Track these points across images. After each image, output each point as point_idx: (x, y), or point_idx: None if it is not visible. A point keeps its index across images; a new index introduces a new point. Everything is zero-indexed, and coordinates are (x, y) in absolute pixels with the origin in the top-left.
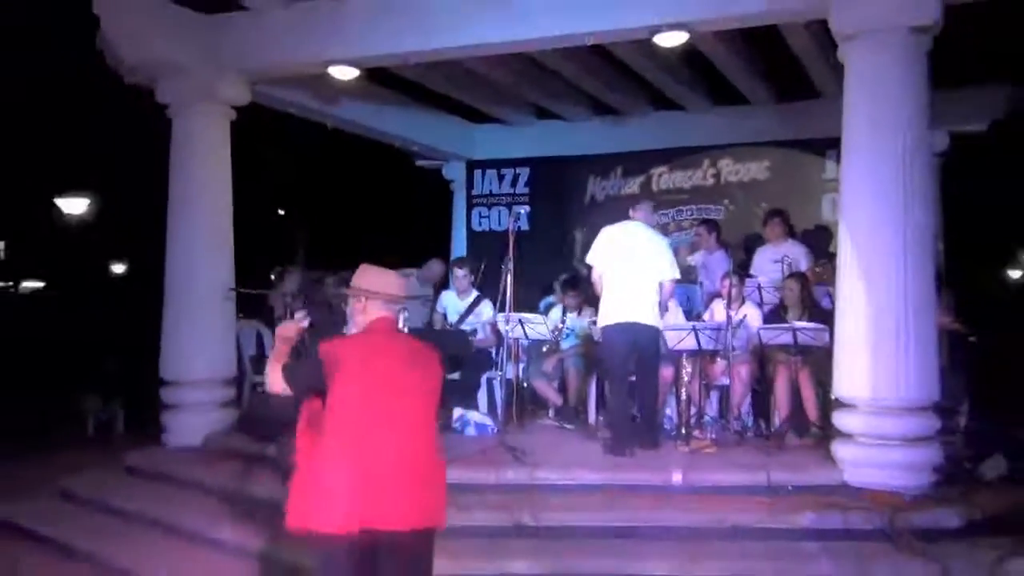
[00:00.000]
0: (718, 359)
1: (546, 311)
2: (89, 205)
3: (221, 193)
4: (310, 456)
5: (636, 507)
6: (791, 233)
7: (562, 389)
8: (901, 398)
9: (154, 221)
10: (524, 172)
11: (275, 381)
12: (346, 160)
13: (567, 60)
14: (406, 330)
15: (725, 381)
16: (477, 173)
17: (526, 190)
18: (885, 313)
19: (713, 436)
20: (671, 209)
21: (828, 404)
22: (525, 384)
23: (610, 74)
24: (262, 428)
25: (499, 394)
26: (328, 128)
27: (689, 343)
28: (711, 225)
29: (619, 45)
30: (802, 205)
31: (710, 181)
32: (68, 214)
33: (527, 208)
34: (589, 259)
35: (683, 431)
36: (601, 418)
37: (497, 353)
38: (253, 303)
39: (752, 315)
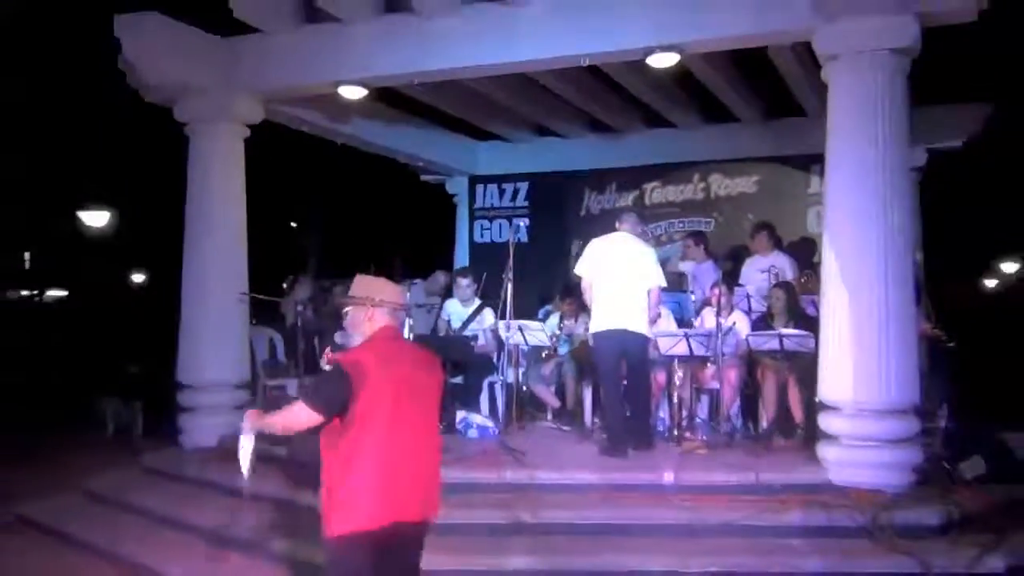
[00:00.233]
0: (708, 364)
1: (544, 318)
2: (110, 218)
3: (235, 206)
4: (341, 467)
5: (630, 505)
6: (778, 244)
7: (559, 393)
8: (883, 401)
9: (171, 233)
10: (524, 187)
11: (293, 421)
12: (355, 175)
13: (564, 80)
14: (411, 337)
15: (715, 385)
16: (479, 187)
17: (526, 204)
18: (867, 320)
19: (704, 438)
20: (663, 222)
21: (813, 407)
22: (524, 388)
23: (605, 94)
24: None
25: (500, 397)
26: (338, 144)
27: (681, 349)
28: (699, 237)
29: (614, 66)
30: (788, 218)
31: (700, 195)
32: (90, 226)
33: (527, 221)
34: (577, 270)
35: (675, 433)
36: (597, 420)
37: (498, 358)
38: (266, 310)
39: (741, 322)
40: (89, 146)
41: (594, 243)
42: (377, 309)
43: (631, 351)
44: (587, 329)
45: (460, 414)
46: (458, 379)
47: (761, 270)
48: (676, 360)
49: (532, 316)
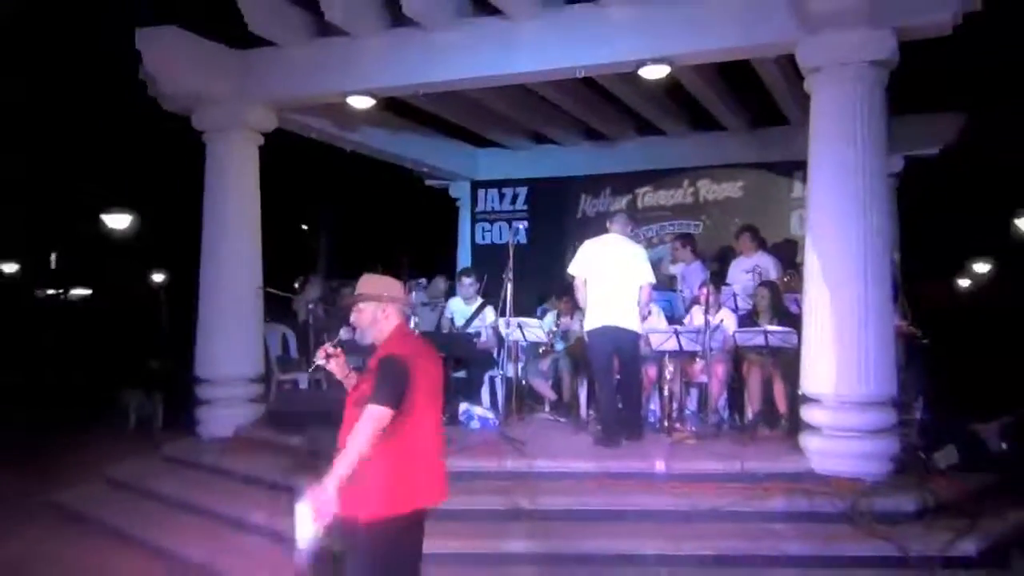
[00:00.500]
0: (697, 359)
1: (542, 316)
2: (132, 221)
3: (250, 209)
4: (395, 453)
5: (624, 492)
6: (762, 245)
7: (556, 386)
8: (862, 394)
9: (190, 235)
10: (523, 191)
11: (370, 436)
12: (363, 180)
13: (561, 91)
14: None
15: (703, 379)
16: (480, 192)
17: (525, 207)
18: (848, 317)
19: (693, 428)
20: (654, 224)
21: (796, 399)
22: (523, 382)
23: (599, 103)
24: (287, 421)
25: (500, 391)
26: (347, 151)
27: (671, 345)
28: (686, 239)
29: (608, 77)
30: (772, 221)
31: (689, 199)
32: (113, 229)
33: (526, 223)
34: (571, 270)
35: (666, 424)
36: (591, 412)
37: (498, 354)
38: (279, 307)
39: (728, 320)
40: (112, 152)
41: (587, 244)
42: (390, 306)
43: (623, 347)
44: (582, 326)
45: (463, 406)
46: (461, 373)
47: (746, 270)
48: (667, 355)
49: (531, 314)
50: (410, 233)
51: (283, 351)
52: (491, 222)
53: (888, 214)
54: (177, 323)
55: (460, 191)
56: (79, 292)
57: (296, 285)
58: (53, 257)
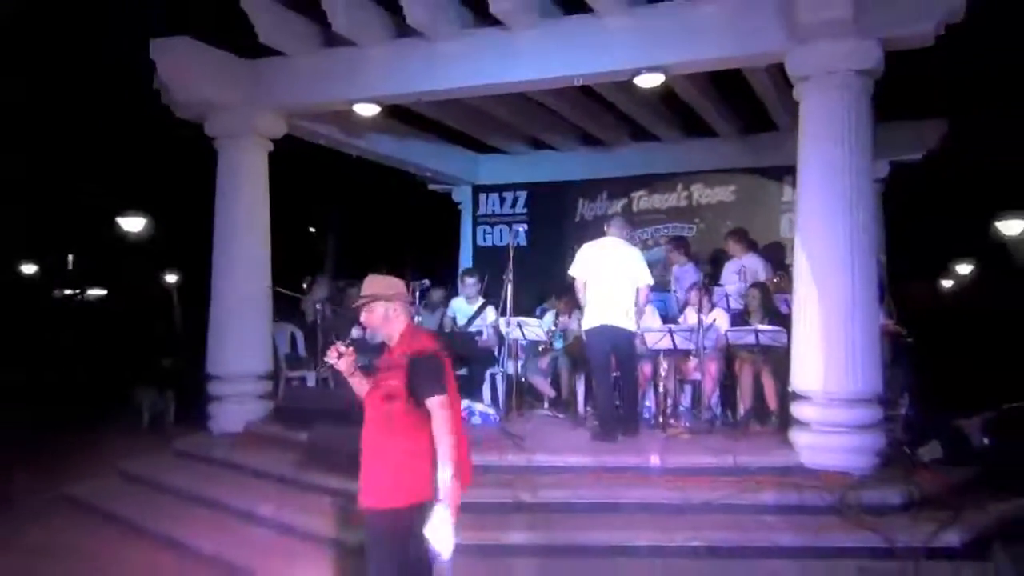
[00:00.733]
0: (691, 357)
1: (541, 316)
2: (146, 224)
3: (259, 213)
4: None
5: (620, 486)
6: (751, 247)
7: (555, 383)
8: (850, 391)
9: (202, 237)
10: (523, 195)
11: (451, 429)
12: (368, 184)
13: (559, 98)
14: None
15: (697, 376)
16: (482, 196)
17: (524, 211)
18: (835, 314)
19: (687, 424)
20: (649, 227)
21: (786, 396)
22: (523, 379)
23: (597, 110)
24: (296, 417)
25: (500, 388)
26: (353, 156)
27: (666, 343)
28: (678, 242)
29: (604, 85)
30: (763, 223)
31: (683, 203)
32: (128, 231)
33: (525, 226)
34: (571, 272)
35: (661, 420)
36: (589, 409)
37: (499, 352)
38: (288, 307)
39: (721, 319)
40: (127, 157)
41: (586, 247)
42: (398, 304)
43: (620, 345)
44: (580, 325)
45: (464, 403)
46: (463, 371)
47: (734, 271)
48: (661, 353)
49: (530, 314)
50: (414, 235)
51: (291, 349)
52: (492, 225)
53: (873, 213)
54: (189, 322)
55: (462, 195)
56: (95, 293)
57: (304, 285)
58: (70, 259)
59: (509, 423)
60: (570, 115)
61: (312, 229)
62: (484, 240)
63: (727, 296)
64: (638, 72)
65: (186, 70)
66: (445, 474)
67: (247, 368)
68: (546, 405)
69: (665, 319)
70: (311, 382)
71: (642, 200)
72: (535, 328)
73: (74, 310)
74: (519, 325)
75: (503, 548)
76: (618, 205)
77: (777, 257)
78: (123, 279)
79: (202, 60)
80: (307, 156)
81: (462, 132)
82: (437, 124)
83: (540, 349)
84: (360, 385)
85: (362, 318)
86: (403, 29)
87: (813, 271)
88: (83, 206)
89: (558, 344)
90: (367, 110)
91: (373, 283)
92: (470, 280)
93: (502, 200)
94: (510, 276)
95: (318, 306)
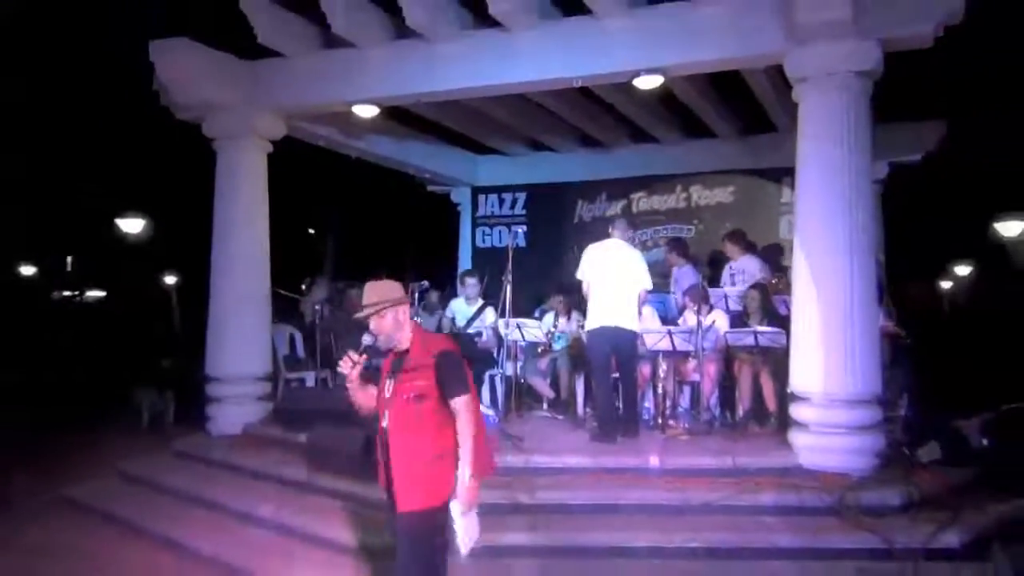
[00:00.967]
0: (690, 359)
1: (540, 317)
2: (145, 225)
3: (258, 214)
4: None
5: (619, 487)
6: (749, 249)
7: (554, 385)
8: (849, 392)
9: (200, 238)
10: (522, 196)
11: (479, 423)
12: (367, 185)
13: (558, 100)
14: None
15: (696, 378)
16: (481, 197)
17: (523, 212)
18: (834, 314)
19: (686, 425)
20: (649, 229)
21: (785, 397)
22: (522, 380)
23: (596, 112)
24: (295, 418)
25: (500, 389)
26: (352, 158)
27: (665, 345)
28: (675, 244)
29: (603, 87)
30: (762, 225)
31: (682, 204)
32: (127, 232)
33: (524, 228)
34: (579, 275)
35: (660, 421)
36: (588, 410)
37: (498, 353)
38: (286, 308)
39: (720, 320)
40: (126, 159)
41: (590, 249)
42: (405, 307)
43: (621, 346)
44: (580, 326)
45: None
46: None
47: (730, 273)
48: (661, 354)
49: (529, 315)
50: (413, 237)
51: (290, 351)
52: (491, 226)
53: (872, 213)
54: (188, 323)
55: (461, 196)
56: (94, 294)
57: (303, 286)
58: (69, 260)
59: (508, 424)
60: (569, 116)
61: (311, 230)
62: (483, 241)
63: (726, 297)
64: (637, 73)
65: (185, 71)
66: (465, 473)
67: (246, 369)
68: (545, 406)
69: (664, 320)
70: (310, 383)
71: (641, 201)
72: (534, 329)
73: (73, 311)
74: (518, 326)
75: (502, 549)
76: (617, 206)
77: (776, 258)
78: (122, 280)
79: (201, 61)
80: (306, 157)
81: (461, 133)
82: (436, 125)
83: (539, 350)
84: (366, 395)
85: (372, 326)
86: (402, 30)
87: (812, 271)
88: (82, 207)
89: (557, 345)
90: (366, 111)
91: (377, 289)
92: (471, 281)
93: (501, 201)
94: (509, 277)
95: (317, 307)
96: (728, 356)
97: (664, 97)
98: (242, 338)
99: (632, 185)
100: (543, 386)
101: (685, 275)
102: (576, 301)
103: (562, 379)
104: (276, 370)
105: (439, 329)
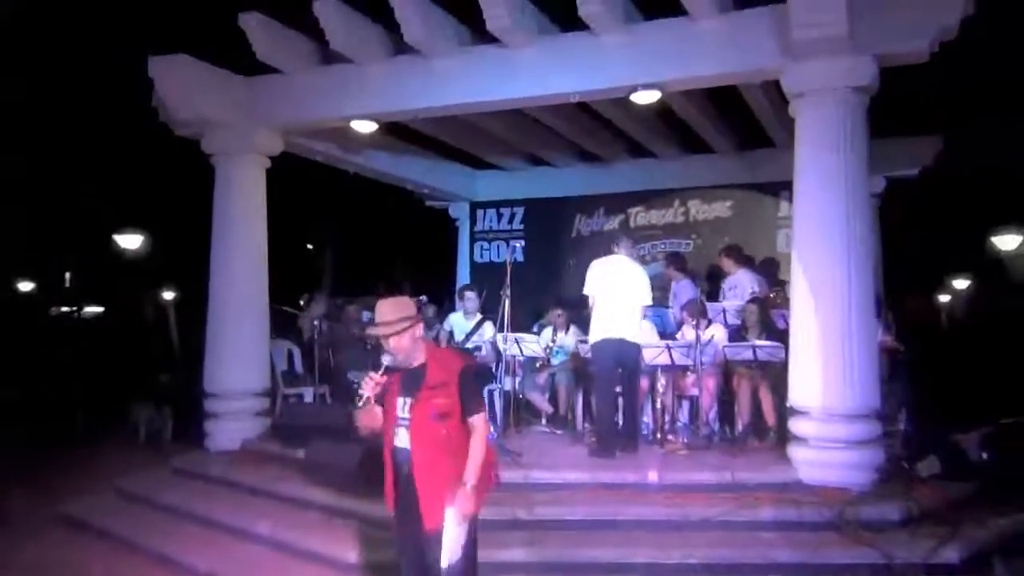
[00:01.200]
0: (689, 373)
1: (539, 332)
2: (143, 241)
3: (257, 230)
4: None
5: (618, 502)
6: (744, 263)
7: (552, 400)
8: (848, 406)
9: (199, 254)
10: (520, 211)
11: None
12: (365, 201)
13: (556, 115)
14: None
15: (695, 392)
16: (479, 212)
17: (521, 227)
18: (833, 329)
19: (685, 440)
20: (647, 243)
21: (784, 411)
22: (521, 395)
23: (594, 127)
24: (293, 434)
25: (498, 404)
26: (350, 173)
27: (664, 359)
28: (673, 258)
29: (601, 102)
30: (760, 239)
31: (680, 219)
32: (125, 248)
33: (522, 242)
34: (586, 291)
35: (658, 436)
36: (587, 425)
37: (497, 368)
38: (285, 324)
39: (719, 334)
40: (124, 175)
41: (595, 265)
42: (419, 325)
43: (626, 359)
44: (580, 341)
45: None
46: None
47: (728, 288)
48: (659, 369)
49: (528, 330)
50: (411, 252)
51: (288, 366)
52: (489, 241)
53: (870, 225)
54: (186, 339)
55: (459, 211)
56: (92, 310)
57: (302, 302)
58: (67, 276)
59: (507, 440)
60: (567, 131)
61: (309, 246)
62: (481, 256)
63: (724, 311)
64: (635, 89)
65: (184, 88)
66: (468, 483)
67: (244, 385)
68: (544, 421)
69: (662, 335)
70: (308, 399)
71: (639, 216)
72: (532, 344)
73: (71, 327)
74: (516, 341)
75: (499, 566)
76: (615, 221)
77: (774, 272)
78: (120, 296)
79: (200, 78)
80: (304, 173)
81: (459, 148)
82: (434, 141)
83: (537, 365)
84: (374, 415)
85: (391, 344)
86: (400, 46)
87: (810, 282)
88: (82, 220)
89: (555, 360)
90: (364, 127)
91: (394, 307)
92: (470, 295)
93: (499, 216)
94: (508, 292)
95: (315, 323)
96: (727, 370)
97: (662, 112)
98: (240, 354)
99: (630, 200)
100: (541, 401)
101: (683, 289)
102: (575, 315)
103: (561, 394)
104: (274, 386)
105: (436, 343)
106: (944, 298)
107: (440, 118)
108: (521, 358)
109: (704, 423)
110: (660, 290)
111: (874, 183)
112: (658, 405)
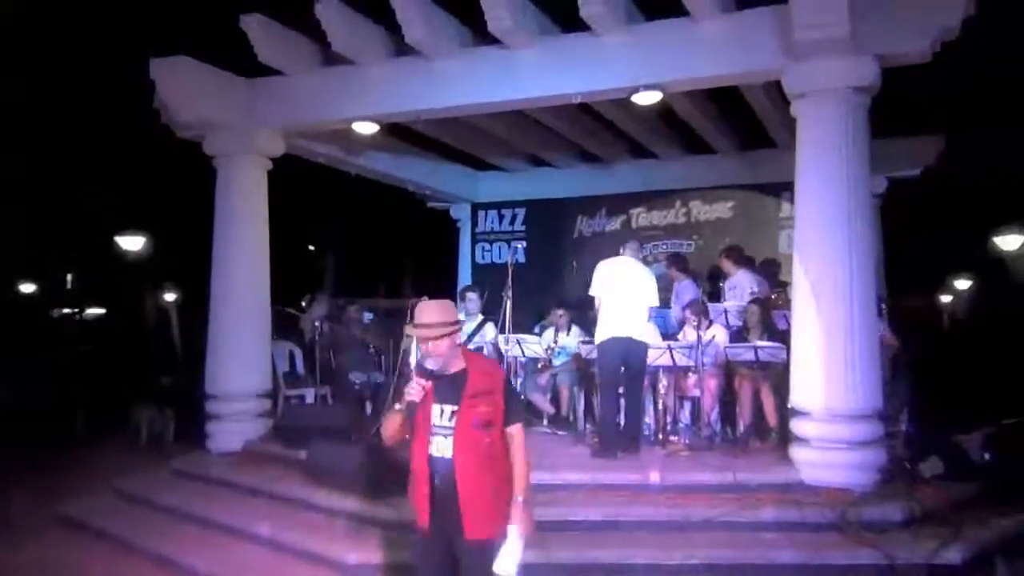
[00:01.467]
0: (690, 374)
1: (540, 333)
2: (145, 242)
3: (258, 231)
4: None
5: (619, 503)
6: (745, 264)
7: (554, 401)
8: (850, 407)
9: (200, 255)
10: (521, 212)
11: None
12: (367, 202)
13: (557, 116)
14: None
15: (696, 393)
16: (480, 213)
17: (523, 228)
18: (835, 330)
19: (686, 441)
20: (648, 244)
21: (786, 412)
22: (522, 396)
23: (595, 128)
24: (294, 435)
25: None
26: (352, 175)
27: (665, 360)
28: (674, 259)
29: (602, 103)
30: (761, 240)
31: (682, 219)
32: (126, 250)
33: (524, 243)
34: (592, 291)
35: (660, 437)
36: (589, 426)
37: None
38: (286, 325)
39: (720, 335)
40: (126, 177)
41: (601, 266)
42: (458, 332)
43: (632, 358)
44: (582, 342)
45: None
46: None
47: (729, 288)
48: (661, 370)
49: (529, 331)
50: (412, 253)
51: (290, 367)
52: (491, 242)
53: (872, 226)
54: (188, 340)
55: (461, 212)
56: (94, 311)
57: (303, 303)
58: (69, 278)
59: None
60: (568, 132)
61: (311, 247)
62: (483, 257)
63: (726, 312)
64: (636, 89)
65: (185, 89)
66: (520, 499)
67: (245, 386)
68: (545, 422)
69: (664, 335)
70: (310, 400)
71: (641, 217)
72: (534, 345)
73: (73, 328)
74: (518, 342)
75: None
76: (617, 222)
77: (775, 273)
78: (122, 297)
79: (201, 79)
80: (306, 174)
81: (461, 150)
82: (436, 142)
83: (539, 366)
84: (402, 423)
85: (429, 348)
86: (402, 48)
87: (812, 281)
88: (83, 220)
89: (557, 361)
90: (366, 128)
91: (437, 311)
92: (472, 295)
93: (501, 217)
94: (509, 293)
95: (317, 324)
96: (728, 371)
97: (663, 113)
98: (242, 355)
99: (632, 200)
100: (543, 402)
101: (685, 290)
102: (579, 316)
103: (562, 395)
104: (276, 387)
105: None
106: (946, 298)
107: (441, 119)
108: (523, 359)
109: (706, 424)
110: (662, 291)
111: (876, 183)
112: (659, 406)
